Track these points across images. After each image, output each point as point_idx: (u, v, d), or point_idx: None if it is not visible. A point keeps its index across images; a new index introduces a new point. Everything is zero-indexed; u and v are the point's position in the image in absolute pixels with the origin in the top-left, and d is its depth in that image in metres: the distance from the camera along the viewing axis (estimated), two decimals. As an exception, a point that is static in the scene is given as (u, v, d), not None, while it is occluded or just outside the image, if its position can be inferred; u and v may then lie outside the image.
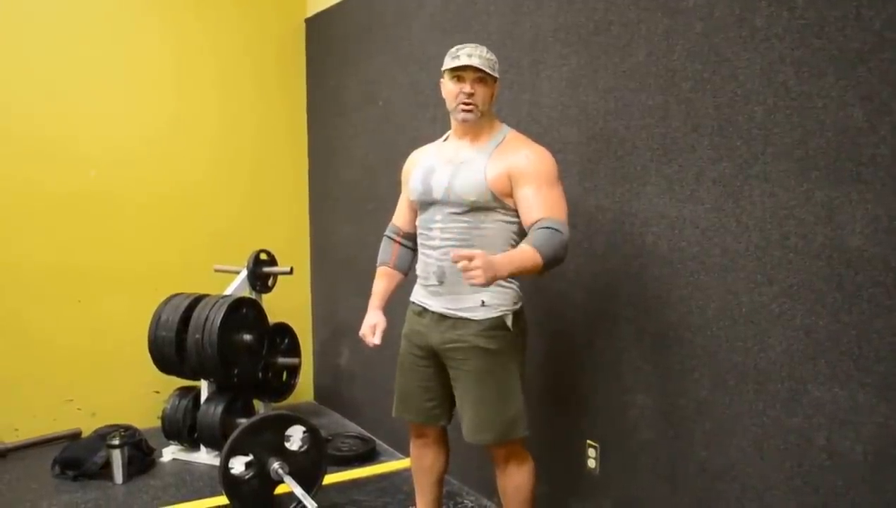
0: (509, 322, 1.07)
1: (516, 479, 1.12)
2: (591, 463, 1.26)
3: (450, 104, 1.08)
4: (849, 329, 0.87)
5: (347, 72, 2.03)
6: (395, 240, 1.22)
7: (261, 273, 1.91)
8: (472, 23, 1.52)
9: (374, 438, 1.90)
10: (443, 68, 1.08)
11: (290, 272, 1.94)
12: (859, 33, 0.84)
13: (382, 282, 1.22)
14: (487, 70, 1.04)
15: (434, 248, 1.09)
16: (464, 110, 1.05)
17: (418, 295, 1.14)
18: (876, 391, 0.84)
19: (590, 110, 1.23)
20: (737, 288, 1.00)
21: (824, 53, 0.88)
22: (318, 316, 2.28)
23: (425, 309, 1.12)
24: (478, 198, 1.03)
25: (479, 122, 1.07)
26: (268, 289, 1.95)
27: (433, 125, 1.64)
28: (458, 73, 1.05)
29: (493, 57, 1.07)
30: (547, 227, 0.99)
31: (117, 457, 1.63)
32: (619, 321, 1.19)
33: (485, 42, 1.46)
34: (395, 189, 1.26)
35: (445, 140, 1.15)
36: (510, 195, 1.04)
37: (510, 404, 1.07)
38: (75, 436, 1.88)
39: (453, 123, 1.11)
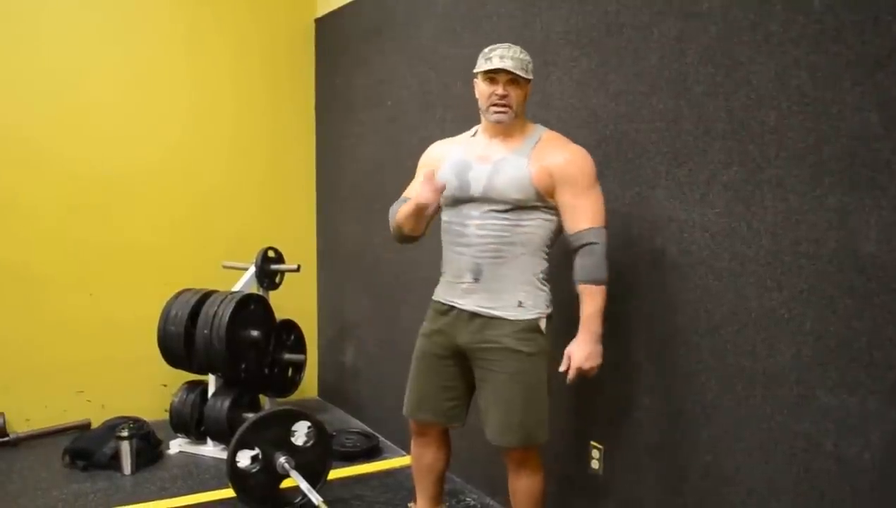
0: (543, 325, 1.06)
1: (529, 484, 1.12)
2: (595, 465, 1.26)
3: (482, 105, 1.07)
4: (860, 335, 0.86)
5: (356, 72, 2.03)
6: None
7: (268, 270, 1.93)
8: (483, 24, 1.52)
9: (377, 435, 1.91)
10: (475, 70, 1.07)
11: (297, 270, 1.95)
12: (876, 39, 0.84)
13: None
14: (521, 73, 1.02)
15: (469, 246, 1.06)
16: (496, 112, 1.04)
17: (445, 294, 1.11)
18: (886, 398, 0.84)
19: (600, 113, 1.23)
20: (746, 292, 1.00)
21: (841, 59, 0.87)
22: (324, 314, 2.29)
23: (453, 307, 1.09)
24: (522, 197, 1.02)
25: (512, 123, 1.06)
26: (275, 286, 1.96)
27: (441, 125, 1.64)
28: (492, 74, 1.04)
29: (527, 57, 1.05)
30: (586, 244, 1.02)
31: (126, 449, 1.65)
32: (627, 323, 1.19)
33: (495, 43, 1.46)
34: (403, 188, 1.26)
35: (473, 135, 1.12)
36: (552, 194, 1.04)
37: (537, 408, 1.07)
38: (85, 427, 1.91)
39: (483, 122, 1.10)
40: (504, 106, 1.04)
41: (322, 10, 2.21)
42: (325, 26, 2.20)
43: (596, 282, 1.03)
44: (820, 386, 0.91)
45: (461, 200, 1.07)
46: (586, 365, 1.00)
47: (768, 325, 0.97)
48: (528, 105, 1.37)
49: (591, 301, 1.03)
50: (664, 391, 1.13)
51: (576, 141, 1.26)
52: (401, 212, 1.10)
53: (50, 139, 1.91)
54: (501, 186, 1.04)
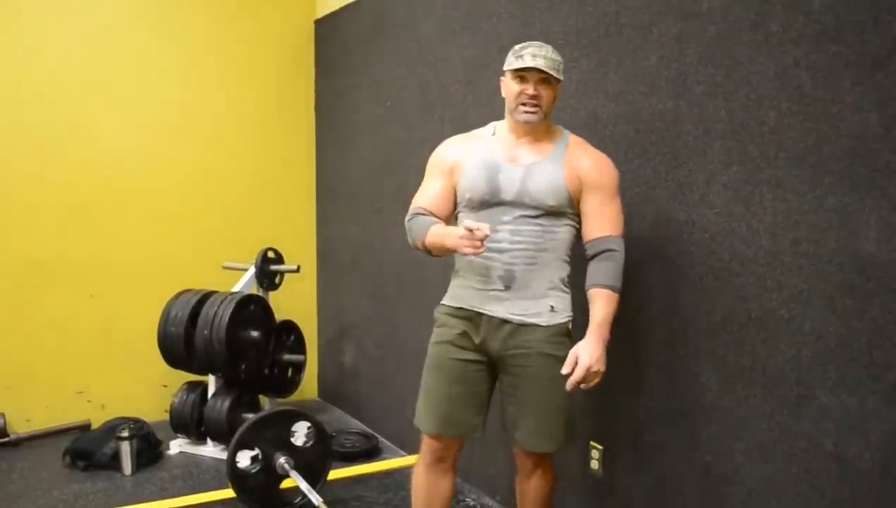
0: (570, 328, 1.05)
1: (543, 486, 1.10)
2: (595, 465, 1.26)
3: (510, 103, 1.02)
4: (860, 335, 0.86)
5: (356, 73, 2.03)
6: (429, 214, 1.05)
7: (268, 271, 1.93)
8: (482, 24, 1.52)
9: (376, 435, 1.91)
10: (505, 67, 1.02)
11: (297, 270, 1.95)
12: (876, 39, 0.84)
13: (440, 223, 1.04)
14: (553, 73, 0.98)
15: (501, 251, 1.01)
16: (526, 111, 1.00)
17: (469, 300, 1.05)
18: (886, 398, 0.84)
19: (599, 113, 1.23)
20: (746, 292, 1.00)
21: (841, 59, 0.87)
22: (324, 315, 2.29)
23: (480, 314, 1.04)
24: (557, 203, 1.00)
25: (540, 124, 1.02)
26: (275, 287, 1.97)
27: (441, 125, 1.64)
28: (522, 73, 0.99)
29: (559, 57, 1.01)
30: (607, 250, 1.01)
31: (126, 449, 1.65)
32: (626, 323, 1.18)
33: (494, 44, 1.46)
34: (403, 189, 1.26)
35: (493, 133, 1.06)
36: (579, 199, 1.03)
37: (569, 412, 1.05)
38: (85, 428, 1.91)
39: (509, 121, 1.05)
40: (535, 106, 0.99)
41: (321, 12, 2.22)
42: (325, 27, 2.20)
43: (613, 289, 1.00)
44: (820, 386, 0.91)
45: (490, 204, 1.02)
46: (595, 367, 0.96)
47: (768, 325, 0.97)
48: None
49: (606, 306, 0.99)
50: (664, 391, 1.13)
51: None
52: (431, 243, 1.02)
53: (51, 140, 1.91)
54: (536, 192, 1.00)
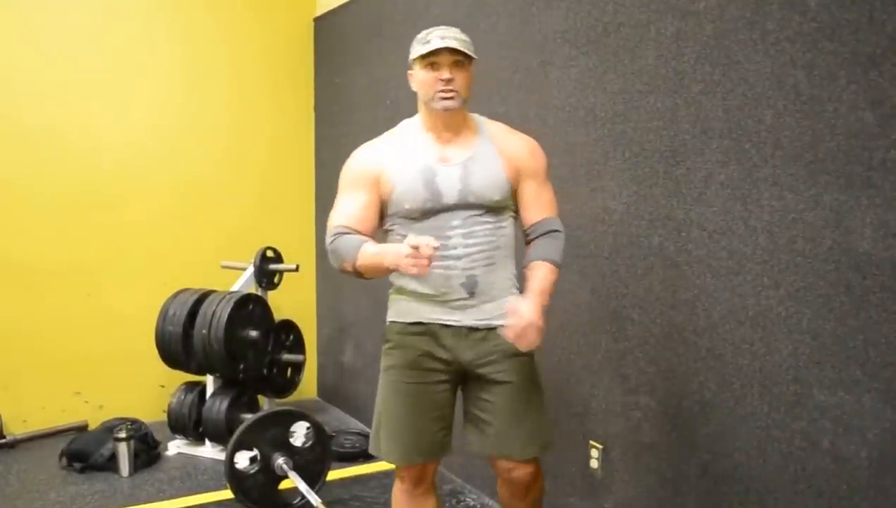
0: None
1: (534, 491, 1.02)
2: (594, 464, 1.27)
3: (425, 94, 0.94)
4: (856, 333, 0.87)
5: (355, 71, 2.03)
6: (354, 232, 0.96)
7: (267, 270, 1.93)
8: (481, 23, 1.53)
9: (377, 435, 1.93)
10: (412, 56, 0.94)
11: (296, 270, 1.95)
12: (872, 37, 0.84)
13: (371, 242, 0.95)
14: (467, 51, 0.92)
15: (457, 258, 0.94)
16: (444, 97, 0.92)
17: (426, 314, 0.97)
18: (882, 396, 0.84)
19: (598, 112, 1.23)
20: (743, 290, 1.00)
21: (836, 57, 0.88)
22: (323, 314, 2.29)
23: (444, 326, 0.96)
24: (501, 197, 0.96)
25: (459, 113, 0.95)
26: (273, 286, 1.96)
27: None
28: (432, 59, 0.92)
29: (467, 37, 0.95)
30: (551, 231, 0.99)
31: (124, 450, 1.65)
32: (625, 322, 1.19)
33: (493, 43, 1.46)
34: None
35: (411, 134, 0.98)
36: (517, 189, 0.99)
37: (546, 410, 1.01)
38: (82, 428, 1.90)
39: (427, 116, 0.96)
40: (451, 91, 0.92)
41: (321, 9, 2.22)
42: (325, 25, 2.21)
43: (556, 264, 0.97)
44: (817, 384, 0.91)
45: (433, 211, 0.94)
46: (537, 323, 0.89)
47: (765, 323, 0.97)
48: (527, 105, 1.39)
49: (547, 276, 0.95)
50: (662, 389, 1.13)
51: (574, 140, 1.28)
52: (364, 264, 0.92)
53: (51, 137, 1.90)
54: (479, 189, 0.94)
